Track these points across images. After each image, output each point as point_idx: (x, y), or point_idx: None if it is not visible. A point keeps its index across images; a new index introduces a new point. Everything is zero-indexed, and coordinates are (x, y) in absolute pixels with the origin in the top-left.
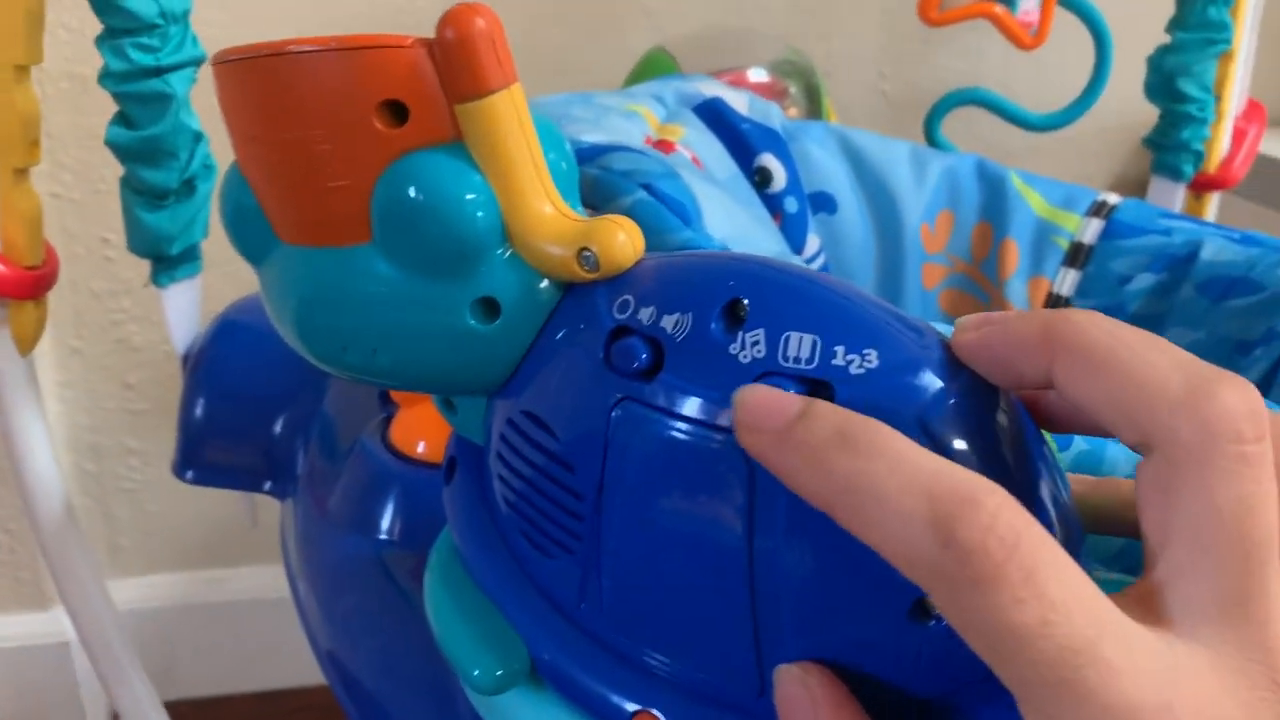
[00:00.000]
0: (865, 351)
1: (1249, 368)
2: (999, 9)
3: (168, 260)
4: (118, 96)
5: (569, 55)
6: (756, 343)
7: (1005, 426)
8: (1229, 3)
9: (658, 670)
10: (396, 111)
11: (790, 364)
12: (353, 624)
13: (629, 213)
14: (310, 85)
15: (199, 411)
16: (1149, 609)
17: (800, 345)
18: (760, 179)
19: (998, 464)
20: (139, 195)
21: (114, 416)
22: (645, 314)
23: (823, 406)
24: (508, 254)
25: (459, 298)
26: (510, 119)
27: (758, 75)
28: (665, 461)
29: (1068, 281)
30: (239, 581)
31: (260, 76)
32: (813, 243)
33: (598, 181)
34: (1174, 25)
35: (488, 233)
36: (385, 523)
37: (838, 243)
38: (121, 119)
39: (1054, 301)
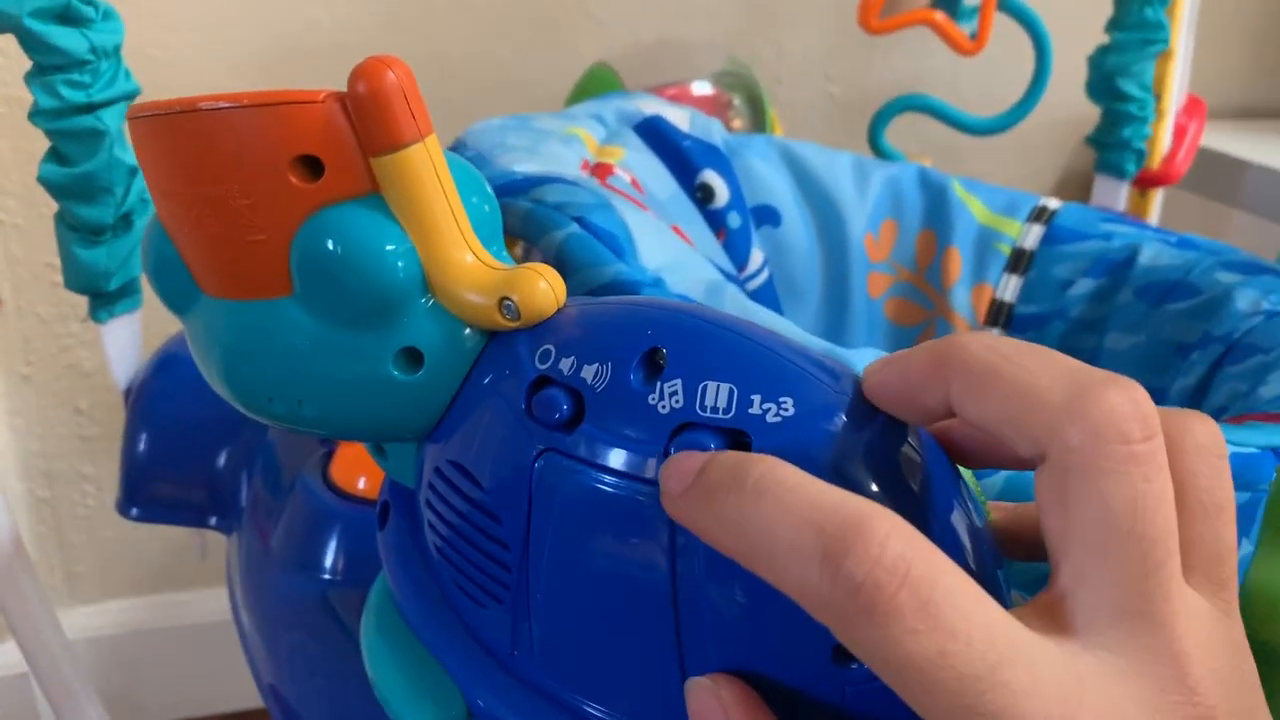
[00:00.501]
0: (781, 399)
1: (1187, 371)
2: (939, 16)
3: (106, 296)
4: (50, 133)
5: (516, 67)
6: (675, 393)
7: (917, 463)
8: (1165, 3)
9: (592, 717)
10: (312, 166)
11: (708, 414)
12: (296, 661)
13: (561, 246)
14: (225, 141)
15: (141, 446)
16: (1054, 619)
17: (718, 395)
18: (703, 195)
19: (910, 501)
20: (75, 232)
21: (66, 443)
22: (566, 364)
23: (721, 455)
24: (430, 303)
25: (382, 348)
26: (426, 170)
27: (701, 88)
28: (588, 512)
29: (1010, 287)
30: (199, 604)
31: (174, 133)
32: (756, 257)
33: (530, 215)
34: (1112, 26)
35: (408, 283)
36: (328, 560)
37: (783, 254)
38: (54, 155)
39: (998, 308)
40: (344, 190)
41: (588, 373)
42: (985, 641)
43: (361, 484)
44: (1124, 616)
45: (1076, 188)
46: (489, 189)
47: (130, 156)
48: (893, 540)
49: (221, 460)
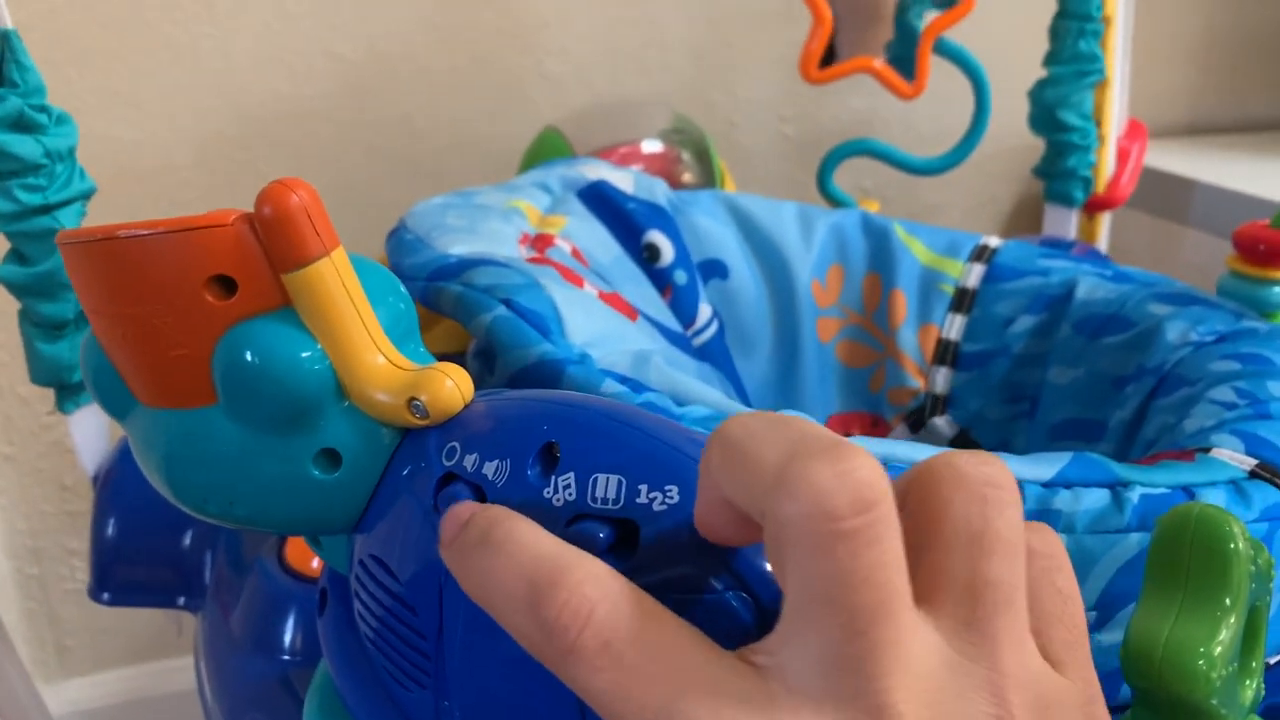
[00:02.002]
0: (667, 488)
1: (1122, 404)
2: (877, 63)
3: (70, 388)
4: (9, 235)
5: (478, 127)
6: (568, 486)
7: None
8: (1098, 35)
9: None
10: (226, 284)
11: (599, 505)
12: None
13: (490, 329)
14: (143, 265)
15: (110, 531)
16: (762, 665)
17: (607, 486)
18: (649, 255)
19: None
20: (37, 328)
21: (52, 519)
22: (469, 461)
23: (480, 511)
24: (345, 406)
25: (302, 451)
26: (333, 282)
27: (651, 146)
28: None
29: (955, 327)
30: (191, 670)
31: (97, 259)
32: (704, 311)
33: (461, 299)
34: (1049, 60)
35: (322, 389)
36: (286, 641)
37: (733, 305)
38: (15, 256)
39: (944, 347)
40: (258, 305)
41: (489, 469)
42: (667, 678)
43: (316, 565)
44: (831, 674)
45: (1032, 213)
46: (403, 289)
47: None
48: (584, 587)
49: (187, 541)
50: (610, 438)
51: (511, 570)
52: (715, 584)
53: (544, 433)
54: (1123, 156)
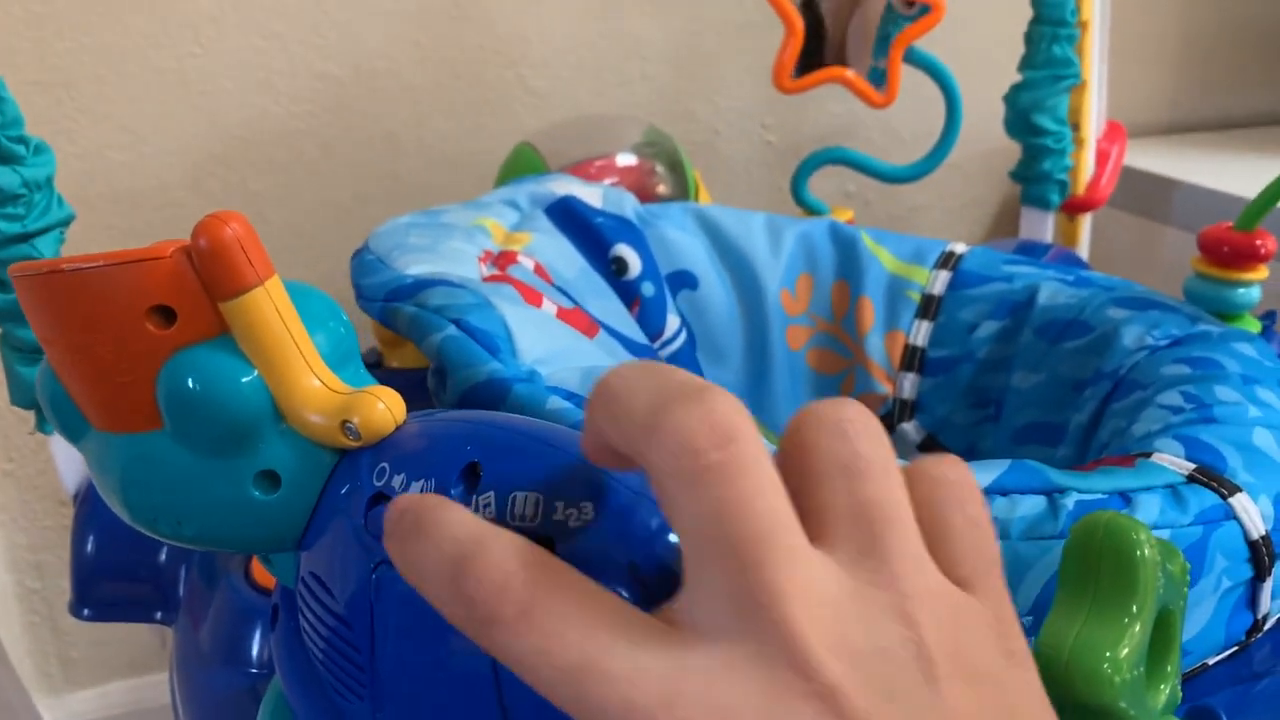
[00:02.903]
0: (582, 505)
1: (1081, 407)
2: (849, 73)
3: None
4: None
5: (462, 142)
6: (488, 504)
7: None
8: (1072, 40)
9: None
10: (165, 314)
11: (517, 522)
12: None
13: (440, 348)
14: (86, 297)
15: (89, 549)
16: (676, 620)
17: (525, 504)
18: (617, 268)
19: None
20: (17, 351)
21: (53, 533)
22: (398, 481)
23: (415, 501)
24: (283, 429)
25: (243, 473)
26: (268, 310)
27: (625, 159)
28: (417, 619)
29: (921, 333)
30: None
31: (44, 291)
32: (672, 323)
33: (414, 319)
34: (1023, 64)
35: (260, 413)
36: (253, 654)
37: (703, 316)
38: None
39: (911, 353)
40: (197, 333)
41: (415, 488)
42: (582, 637)
43: None
44: (730, 612)
45: (1015, 215)
46: (342, 314)
47: None
48: (501, 560)
49: (162, 557)
50: (530, 457)
51: (436, 551)
52: (624, 594)
53: (467, 453)
54: (1102, 158)
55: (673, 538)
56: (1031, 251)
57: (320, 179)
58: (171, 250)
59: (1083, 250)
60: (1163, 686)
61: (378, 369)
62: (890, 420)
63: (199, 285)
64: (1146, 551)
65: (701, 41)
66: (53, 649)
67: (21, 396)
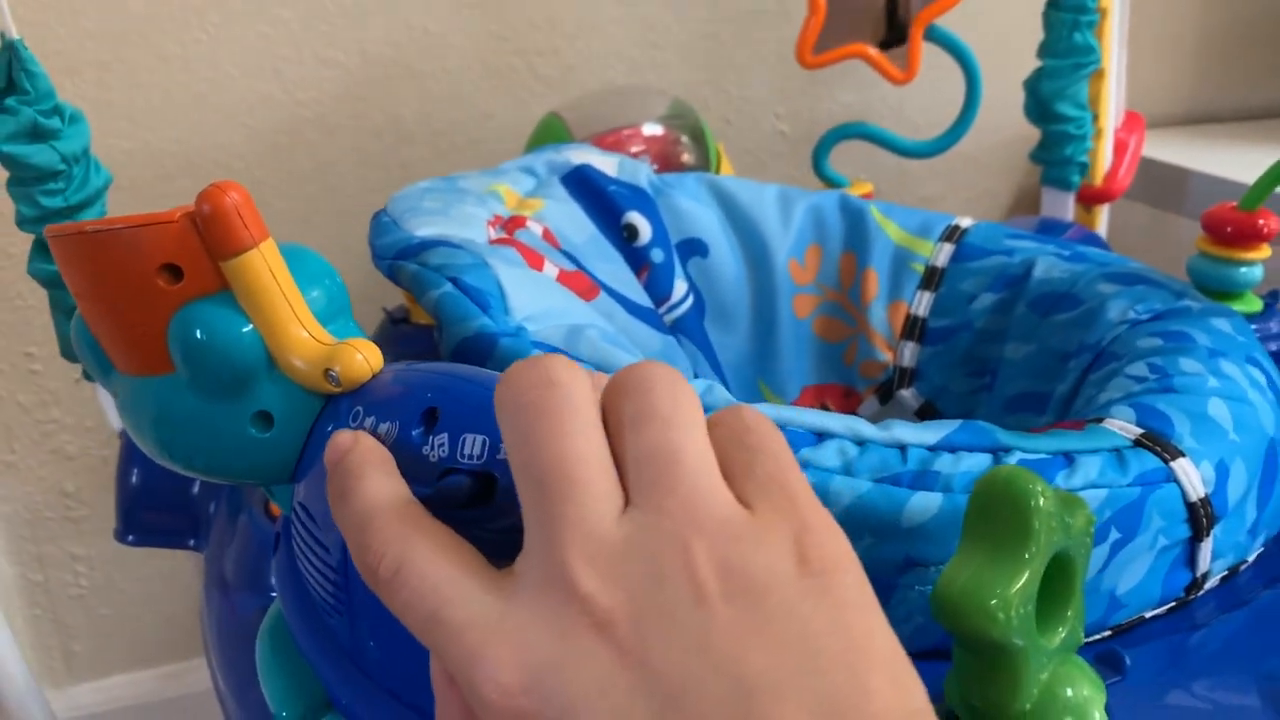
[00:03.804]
0: None
1: (1064, 378)
2: (870, 50)
3: None
4: (36, 235)
5: (470, 129)
6: (442, 444)
7: None
8: (1092, 25)
9: (421, 710)
10: (174, 271)
11: (466, 460)
12: (246, 670)
13: (437, 303)
14: (106, 255)
15: (133, 480)
16: (515, 569)
17: (473, 444)
18: (628, 234)
19: None
20: (63, 313)
21: (55, 525)
22: (369, 423)
23: (344, 459)
24: (276, 374)
25: (242, 413)
26: (262, 269)
27: (652, 129)
28: None
29: (923, 303)
30: (196, 673)
31: (71, 250)
32: (679, 288)
33: (416, 275)
34: (1043, 51)
35: (255, 360)
36: (271, 580)
37: (713, 282)
38: (41, 252)
39: (912, 322)
40: (201, 289)
41: (382, 429)
42: (431, 595)
43: None
44: (536, 562)
45: (1030, 206)
46: (334, 274)
47: None
48: (384, 531)
49: (195, 490)
50: (481, 405)
51: (348, 519)
52: None
53: (428, 399)
54: (1119, 148)
55: None
56: (1053, 229)
57: (327, 166)
58: (179, 215)
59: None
60: (1060, 628)
61: (405, 323)
62: (889, 387)
63: (202, 246)
64: (1040, 503)
65: (715, 30)
66: (55, 642)
67: (68, 349)
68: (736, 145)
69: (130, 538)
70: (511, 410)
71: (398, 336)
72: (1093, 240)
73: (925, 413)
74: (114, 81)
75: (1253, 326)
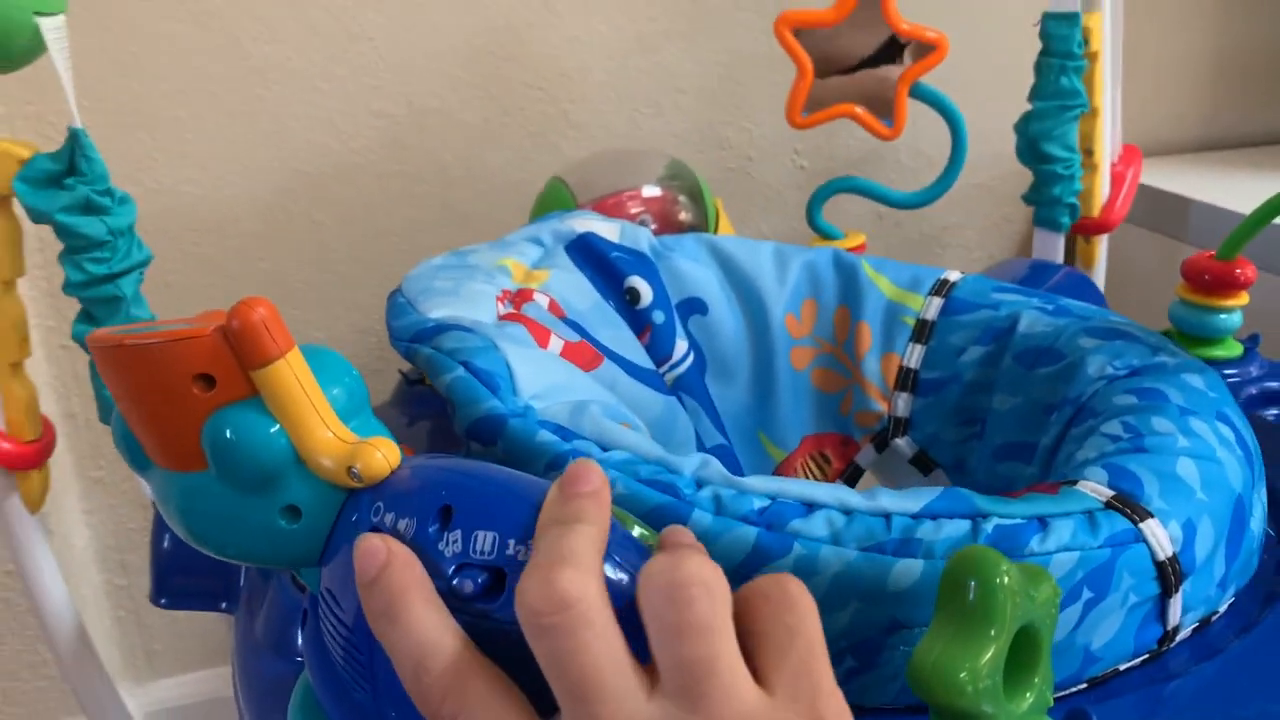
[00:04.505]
0: (529, 542)
1: (1047, 430)
2: (858, 109)
3: None
4: (80, 299)
5: (509, 172)
6: (456, 540)
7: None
8: (1080, 71)
9: None
10: (208, 380)
11: (478, 555)
12: None
13: (449, 386)
14: (144, 365)
15: (165, 545)
16: None
17: (484, 541)
18: (630, 298)
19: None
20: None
21: (137, 535)
22: (389, 518)
23: (384, 578)
24: (303, 471)
25: (271, 506)
26: (288, 376)
27: (651, 190)
28: None
29: (914, 356)
30: None
31: (112, 359)
32: (680, 347)
33: (430, 359)
34: (1032, 95)
35: (283, 459)
36: (299, 644)
37: (713, 338)
38: (85, 316)
39: (904, 374)
40: (232, 395)
41: (401, 525)
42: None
43: None
44: None
45: None
46: (353, 371)
47: (145, 312)
48: (448, 672)
49: None
50: (492, 502)
51: (404, 645)
52: None
53: (442, 497)
54: (1117, 180)
55: (604, 573)
56: (1044, 271)
57: (377, 209)
58: (211, 329)
59: (1101, 267)
60: (1028, 693)
61: (420, 384)
62: (885, 436)
63: (233, 357)
64: (1005, 581)
65: (733, 74)
66: (138, 641)
67: (106, 414)
68: (758, 180)
69: (163, 600)
70: (535, 633)
71: (413, 397)
72: (1082, 284)
73: (919, 460)
74: (187, 135)
75: (1233, 370)
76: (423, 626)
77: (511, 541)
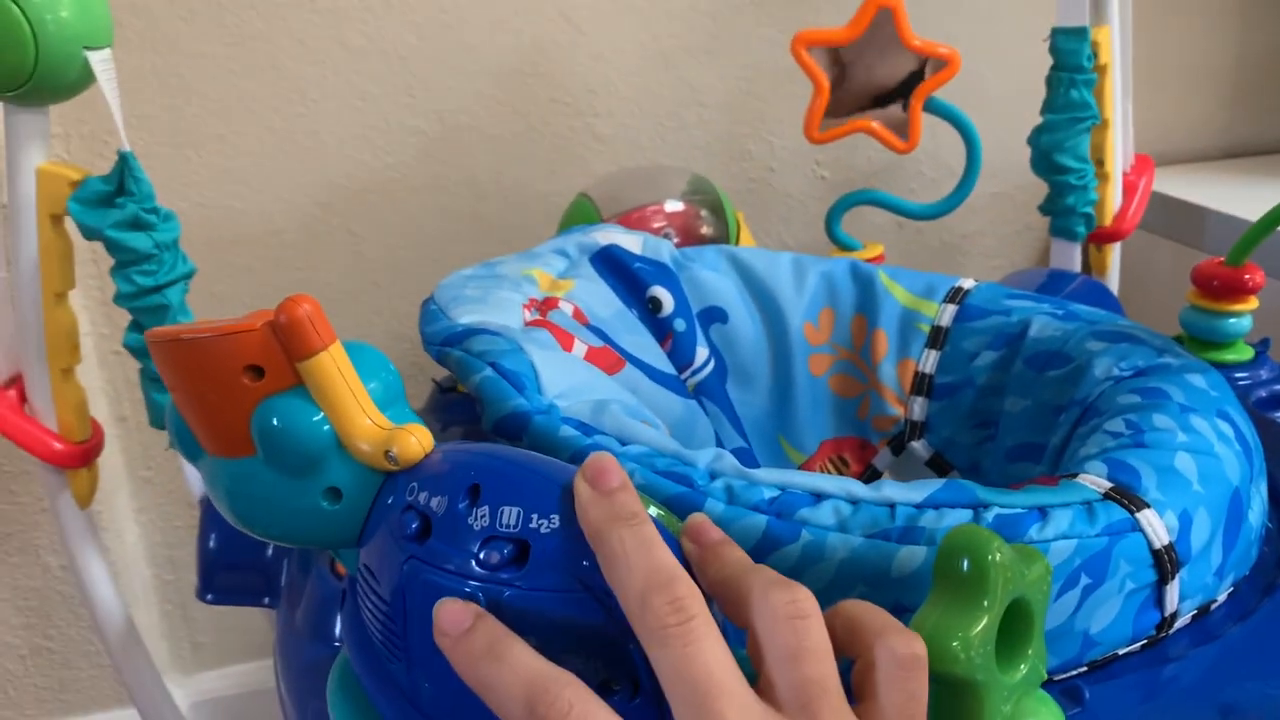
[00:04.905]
0: (551, 516)
1: (1056, 430)
2: (874, 124)
3: None
4: (130, 310)
5: (538, 184)
6: (484, 515)
7: None
8: (1090, 84)
9: None
10: (257, 371)
11: (504, 529)
12: (315, 714)
13: (478, 386)
14: (198, 359)
15: (211, 544)
16: None
17: (510, 515)
18: (653, 307)
19: None
20: (153, 383)
21: (185, 532)
22: (423, 497)
23: (481, 625)
24: (344, 455)
25: (313, 489)
26: (331, 367)
27: (673, 205)
28: (434, 597)
29: (929, 361)
30: None
31: (168, 353)
32: (701, 353)
33: (461, 361)
34: (1044, 108)
35: (326, 444)
36: (336, 630)
37: (733, 346)
38: (134, 326)
39: (920, 379)
40: (280, 385)
41: (434, 503)
42: None
43: None
44: None
45: None
46: (390, 365)
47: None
48: (566, 692)
49: (269, 552)
50: (516, 481)
51: (512, 678)
52: (580, 585)
53: (472, 477)
54: (1129, 190)
55: None
56: (1060, 279)
57: (411, 220)
58: (260, 324)
59: (1115, 275)
60: (1022, 665)
61: (453, 392)
62: (902, 439)
63: (280, 350)
64: (996, 557)
65: (754, 87)
66: (184, 634)
67: (156, 418)
68: (780, 191)
69: (209, 596)
70: (661, 639)
71: (445, 404)
72: (1098, 291)
73: (935, 463)
74: (230, 151)
75: (1244, 374)
76: (532, 658)
77: (535, 515)
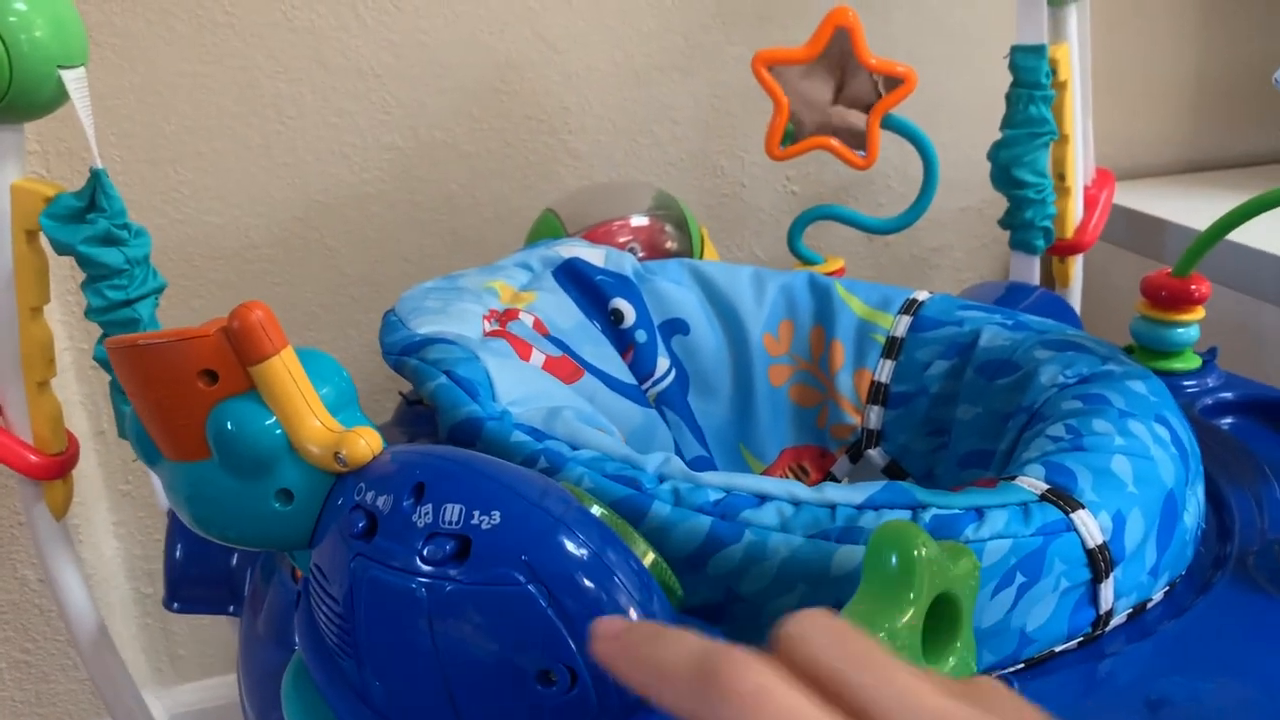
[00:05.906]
0: (491, 512)
1: (1004, 436)
2: (834, 141)
3: None
4: (100, 324)
5: (512, 200)
6: (427, 512)
7: (591, 550)
8: (1048, 100)
9: None
10: (211, 375)
11: (446, 525)
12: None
13: (433, 393)
14: (154, 364)
15: (177, 555)
16: None
17: (452, 512)
18: (615, 319)
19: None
20: (121, 393)
21: (163, 545)
22: (370, 496)
23: (637, 627)
24: (295, 458)
25: (266, 490)
26: (282, 372)
27: (638, 220)
28: (381, 593)
29: (885, 371)
30: None
31: (127, 359)
32: (662, 364)
33: (415, 370)
34: (1003, 124)
35: (277, 447)
36: (296, 636)
37: (694, 357)
38: (105, 340)
39: (876, 388)
40: (233, 389)
41: (380, 502)
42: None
43: None
44: None
45: None
46: (343, 371)
47: None
48: (741, 656)
49: (233, 562)
50: (459, 480)
51: (683, 651)
52: (519, 578)
53: (416, 475)
54: (1090, 203)
55: (560, 539)
56: (1019, 292)
57: (388, 235)
58: (214, 330)
59: (1077, 287)
60: (950, 657)
61: (419, 404)
62: (859, 447)
63: (233, 355)
64: (922, 551)
65: (725, 104)
66: (164, 647)
67: (124, 429)
68: (751, 205)
69: (175, 605)
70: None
71: (412, 416)
72: (1055, 304)
73: (892, 470)
74: (208, 167)
75: (1192, 382)
76: (693, 635)
77: (476, 512)
